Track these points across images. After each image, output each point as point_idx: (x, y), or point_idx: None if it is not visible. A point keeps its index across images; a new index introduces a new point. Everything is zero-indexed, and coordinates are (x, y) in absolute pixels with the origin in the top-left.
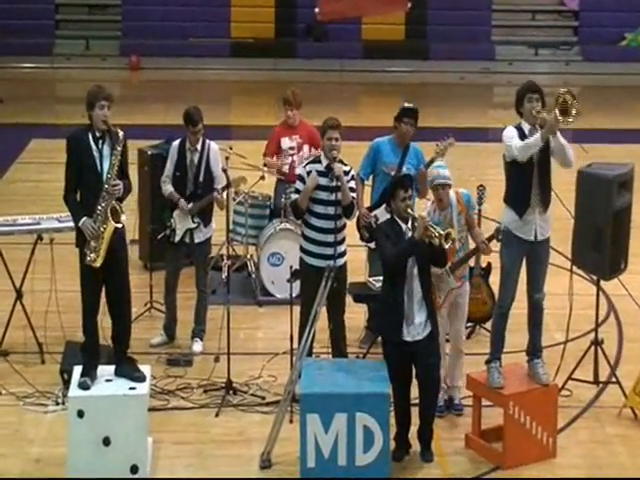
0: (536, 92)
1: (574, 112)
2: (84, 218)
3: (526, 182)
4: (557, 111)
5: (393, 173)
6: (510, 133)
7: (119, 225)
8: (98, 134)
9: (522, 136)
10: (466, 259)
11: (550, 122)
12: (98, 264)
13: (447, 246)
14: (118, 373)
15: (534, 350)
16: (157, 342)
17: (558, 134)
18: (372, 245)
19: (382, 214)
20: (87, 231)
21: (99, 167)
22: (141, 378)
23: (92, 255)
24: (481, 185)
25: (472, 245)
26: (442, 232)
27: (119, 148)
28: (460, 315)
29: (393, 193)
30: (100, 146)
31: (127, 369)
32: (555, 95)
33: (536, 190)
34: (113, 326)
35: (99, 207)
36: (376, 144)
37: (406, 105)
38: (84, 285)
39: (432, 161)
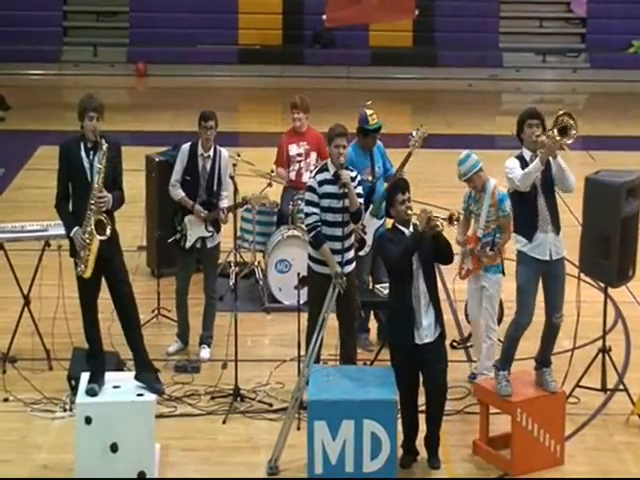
0: (536, 118)
1: (573, 132)
2: (76, 228)
3: (531, 206)
4: (555, 131)
5: (370, 178)
6: (512, 164)
7: (103, 238)
8: (89, 144)
9: (524, 166)
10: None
11: (548, 143)
12: (87, 275)
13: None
14: (138, 378)
15: (544, 361)
16: (174, 350)
17: (559, 158)
18: (361, 253)
19: (369, 221)
20: (77, 241)
21: (89, 177)
22: (158, 390)
23: (82, 266)
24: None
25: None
26: (445, 216)
27: (103, 162)
28: (486, 304)
29: (392, 199)
30: (91, 157)
31: (148, 377)
32: (556, 114)
33: (544, 213)
34: (125, 334)
35: (88, 218)
36: (347, 155)
37: (372, 124)
38: (81, 295)
39: (410, 155)
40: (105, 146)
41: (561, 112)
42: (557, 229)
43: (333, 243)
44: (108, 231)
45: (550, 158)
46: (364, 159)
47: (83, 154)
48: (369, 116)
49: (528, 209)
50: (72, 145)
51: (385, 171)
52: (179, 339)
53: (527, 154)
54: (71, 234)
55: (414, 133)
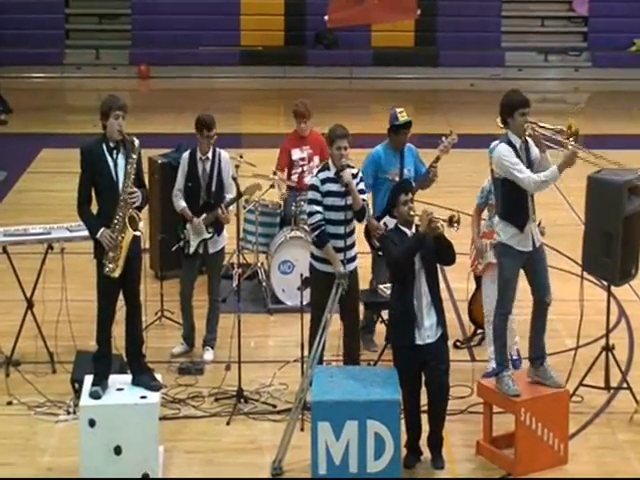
0: (529, 106)
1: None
2: (102, 229)
3: (523, 195)
4: (571, 140)
5: (397, 178)
6: (511, 158)
7: (137, 233)
8: (112, 144)
9: (515, 153)
10: None
11: (570, 156)
12: (117, 274)
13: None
14: (135, 383)
15: (543, 354)
16: (179, 351)
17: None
18: (381, 253)
19: (391, 221)
20: (105, 242)
21: (115, 177)
22: (157, 387)
23: (111, 265)
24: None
25: None
26: (445, 218)
27: (134, 156)
28: None
29: (395, 199)
30: (115, 156)
31: (144, 378)
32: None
33: (530, 201)
34: (127, 335)
35: (117, 216)
36: (376, 155)
37: (401, 119)
38: (101, 296)
39: (438, 159)
40: (137, 142)
41: (570, 120)
42: (534, 214)
43: (336, 241)
44: (141, 226)
45: (535, 146)
46: (393, 159)
47: (107, 154)
48: (398, 113)
49: (520, 198)
50: (94, 147)
51: (417, 174)
52: (184, 341)
53: (516, 140)
54: (98, 235)
55: (444, 139)
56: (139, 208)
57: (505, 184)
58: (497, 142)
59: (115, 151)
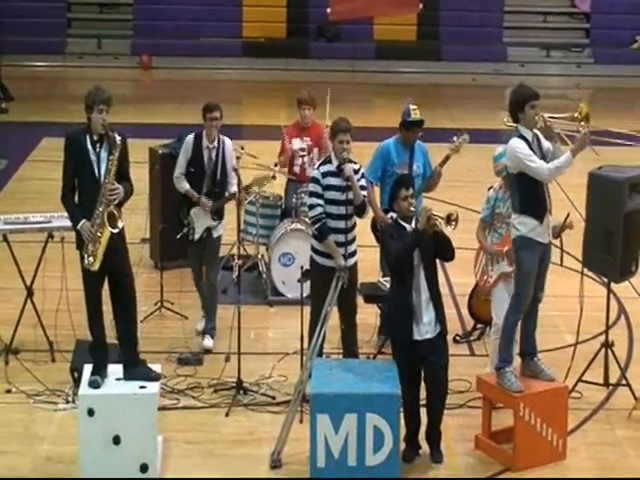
0: (538, 99)
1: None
2: (83, 221)
3: (540, 186)
4: (587, 129)
5: (406, 172)
6: (525, 149)
7: (115, 231)
8: (96, 137)
9: (528, 146)
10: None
11: (583, 139)
12: (95, 267)
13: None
14: (131, 376)
15: (534, 350)
16: (203, 327)
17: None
18: None
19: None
20: (85, 234)
21: (96, 170)
22: (156, 377)
23: (90, 259)
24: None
25: None
26: (443, 216)
27: (116, 154)
28: None
29: (395, 193)
30: (98, 149)
31: (141, 370)
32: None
33: (546, 192)
34: (117, 327)
35: (97, 211)
36: (385, 147)
37: (413, 117)
38: (86, 287)
39: (447, 158)
40: (118, 139)
41: (582, 104)
42: (551, 206)
43: (336, 236)
44: (120, 224)
45: (543, 137)
46: (403, 154)
47: (90, 146)
48: (412, 110)
49: (537, 189)
50: (78, 136)
51: (424, 173)
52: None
53: (527, 134)
54: (78, 227)
55: (455, 138)
56: (121, 203)
57: (520, 178)
58: (501, 148)
59: (98, 144)
